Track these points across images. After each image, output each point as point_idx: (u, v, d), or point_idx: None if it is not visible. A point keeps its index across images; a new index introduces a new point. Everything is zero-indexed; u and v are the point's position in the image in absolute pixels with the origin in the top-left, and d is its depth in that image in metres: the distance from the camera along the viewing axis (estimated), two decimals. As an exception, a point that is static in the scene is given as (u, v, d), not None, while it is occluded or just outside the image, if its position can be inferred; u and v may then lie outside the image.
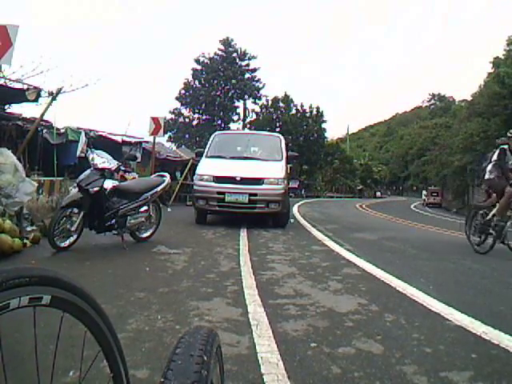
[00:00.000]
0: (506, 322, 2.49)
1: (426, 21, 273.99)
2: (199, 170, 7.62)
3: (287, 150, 8.32)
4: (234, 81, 40.49)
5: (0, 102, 7.96)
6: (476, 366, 1.87)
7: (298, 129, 41.95)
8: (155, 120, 11.32)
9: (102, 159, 4.76)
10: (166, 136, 36.20)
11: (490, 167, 5.65)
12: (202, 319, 2.42)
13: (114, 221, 4.70)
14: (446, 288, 3.45)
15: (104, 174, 4.65)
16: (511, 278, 4.07)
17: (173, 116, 40.34)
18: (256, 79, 42.00)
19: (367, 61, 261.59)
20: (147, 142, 12.88)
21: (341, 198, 43.33)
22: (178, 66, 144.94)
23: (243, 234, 6.34)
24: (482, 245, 5.61)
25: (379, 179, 70.71)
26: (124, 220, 4.81)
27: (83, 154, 7.97)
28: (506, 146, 5.54)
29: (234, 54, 41.16)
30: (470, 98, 33.40)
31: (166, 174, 5.62)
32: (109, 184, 4.68)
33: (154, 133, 11.34)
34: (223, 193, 7.03)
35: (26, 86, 6.47)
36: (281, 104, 43.07)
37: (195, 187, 7.47)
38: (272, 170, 7.40)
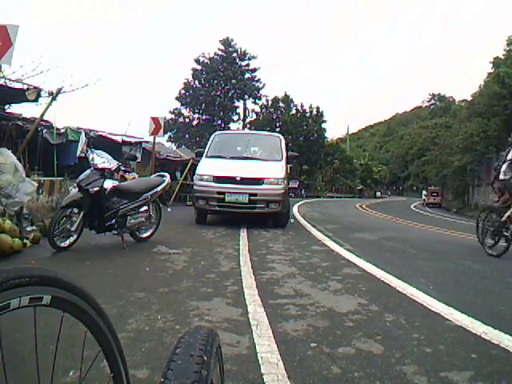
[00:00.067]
0: (506, 322, 2.49)
1: (426, 21, 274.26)
2: (199, 170, 7.62)
3: (287, 150, 8.32)
4: (234, 81, 40.50)
5: (0, 102, 7.96)
6: (476, 365, 1.87)
7: (298, 129, 41.96)
8: (155, 120, 11.32)
9: (102, 159, 4.76)
10: (166, 136, 36.29)
11: (504, 167, 5.43)
12: (201, 319, 2.42)
13: (114, 221, 4.70)
14: (445, 288, 3.45)
15: (104, 174, 4.65)
16: (511, 278, 4.07)
17: (173, 116, 40.36)
18: (256, 79, 42.02)
19: (367, 61, 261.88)
20: (147, 142, 12.89)
21: (341, 197, 43.32)
22: (178, 65, 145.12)
23: (243, 234, 6.34)
24: (494, 247, 5.39)
25: (379, 179, 70.72)
26: (124, 220, 4.81)
27: (83, 154, 7.97)
28: None
29: (234, 54, 41.16)
30: (470, 98, 33.38)
31: (166, 174, 5.62)
32: (109, 184, 4.68)
33: (154, 133, 11.34)
34: (223, 193, 7.03)
35: (26, 86, 6.47)
36: (281, 104, 43.08)
37: (195, 187, 7.47)
38: (272, 170, 7.40)
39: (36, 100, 6.46)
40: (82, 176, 4.57)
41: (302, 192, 37.09)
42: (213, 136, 8.85)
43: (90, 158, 4.75)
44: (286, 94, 43.64)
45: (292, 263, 4.27)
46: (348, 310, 2.70)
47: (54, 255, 4.17)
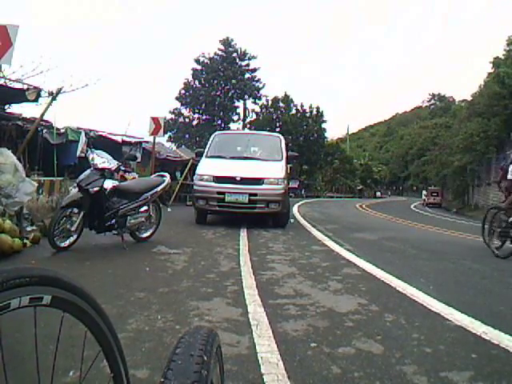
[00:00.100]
0: (506, 322, 2.49)
1: (426, 21, 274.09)
2: (199, 170, 7.62)
3: (287, 150, 8.33)
4: (234, 81, 40.50)
5: (0, 102, 7.96)
6: (476, 365, 1.87)
7: (298, 129, 41.95)
8: (155, 120, 11.32)
9: (102, 159, 4.76)
10: (166, 136, 36.28)
11: None
12: (201, 319, 2.42)
13: (114, 221, 4.70)
14: (446, 288, 3.45)
15: (104, 174, 4.65)
16: (511, 278, 4.07)
17: (173, 116, 40.36)
18: (256, 79, 42.01)
19: (367, 61, 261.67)
20: (147, 142, 12.89)
21: (341, 197, 43.32)
22: (178, 65, 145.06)
23: (243, 234, 6.34)
24: (501, 248, 5.29)
25: (379, 179, 70.67)
26: (124, 220, 4.81)
27: (83, 154, 7.98)
28: None
29: (234, 54, 41.16)
30: (470, 98, 33.37)
31: (166, 174, 5.62)
32: (109, 184, 4.68)
33: (154, 133, 11.35)
34: (223, 193, 7.03)
35: (26, 86, 6.48)
36: (281, 104, 43.07)
37: (195, 187, 7.47)
38: (272, 170, 7.40)
39: (36, 100, 6.47)
40: (82, 176, 4.57)
41: (302, 192, 37.08)
42: (213, 136, 8.85)
43: (90, 158, 4.75)
44: (285, 94, 43.64)
45: (292, 263, 4.27)
46: (348, 309, 2.70)
47: (54, 255, 4.17)
